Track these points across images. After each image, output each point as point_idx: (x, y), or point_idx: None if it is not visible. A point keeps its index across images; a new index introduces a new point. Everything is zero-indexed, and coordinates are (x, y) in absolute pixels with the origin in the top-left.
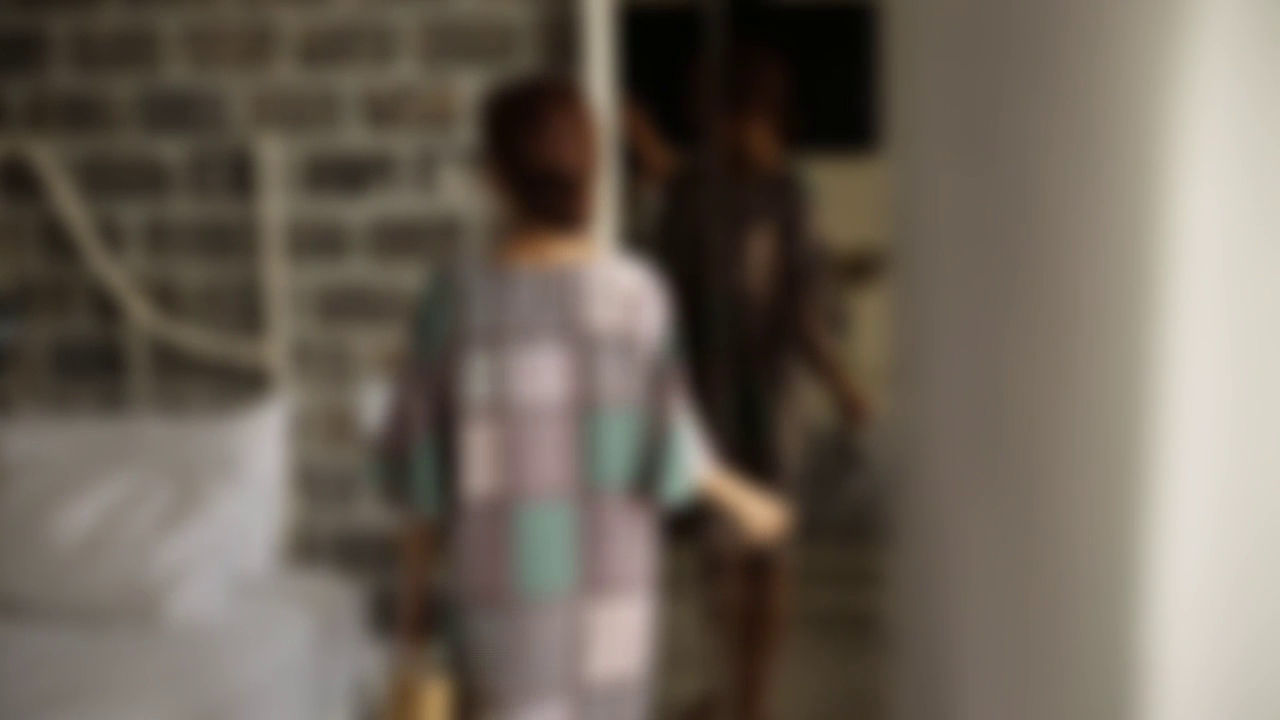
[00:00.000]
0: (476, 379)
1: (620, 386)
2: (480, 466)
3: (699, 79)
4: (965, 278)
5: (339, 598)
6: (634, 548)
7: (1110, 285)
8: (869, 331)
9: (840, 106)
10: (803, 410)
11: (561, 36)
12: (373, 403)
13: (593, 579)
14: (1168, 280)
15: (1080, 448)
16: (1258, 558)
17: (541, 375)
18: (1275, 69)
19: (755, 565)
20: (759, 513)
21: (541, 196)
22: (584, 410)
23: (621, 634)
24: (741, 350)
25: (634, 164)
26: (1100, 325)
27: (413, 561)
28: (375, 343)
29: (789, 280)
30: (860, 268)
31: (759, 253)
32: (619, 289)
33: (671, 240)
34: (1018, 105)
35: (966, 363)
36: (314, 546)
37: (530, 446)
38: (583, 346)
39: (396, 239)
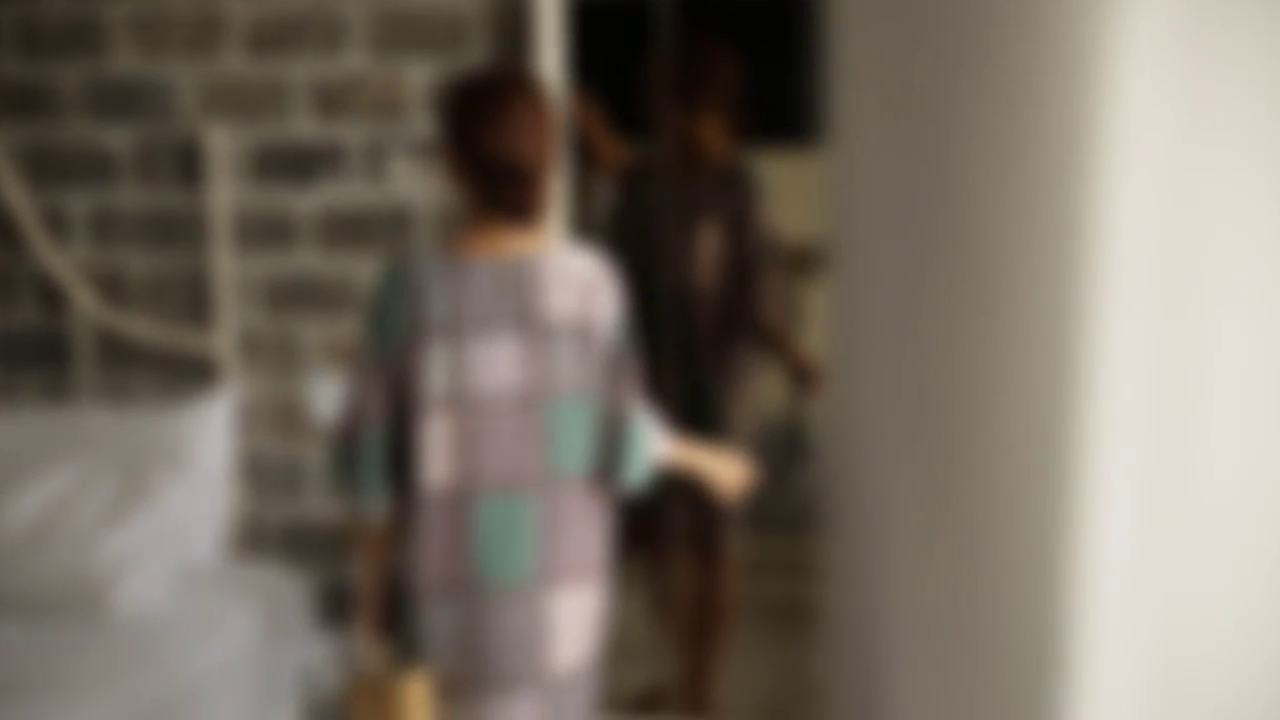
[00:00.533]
0: (435, 370)
1: (577, 374)
2: (439, 457)
3: (651, 72)
4: (902, 270)
5: (286, 589)
6: (591, 535)
7: (1041, 278)
8: (814, 324)
9: (780, 100)
10: (754, 404)
11: (512, 27)
12: (322, 393)
13: (553, 568)
14: (1097, 275)
15: (1010, 439)
16: (1181, 545)
17: (499, 365)
18: (1201, 63)
19: (704, 555)
20: (725, 470)
21: (498, 187)
22: (541, 399)
23: (580, 622)
24: (692, 344)
25: (587, 156)
26: (1031, 318)
27: (373, 553)
28: (324, 333)
29: (741, 273)
30: (802, 261)
31: (709, 247)
32: (574, 277)
33: (624, 234)
34: (954, 99)
35: (902, 354)
36: (261, 538)
37: (489, 436)
38: (539, 336)
39: (346, 229)
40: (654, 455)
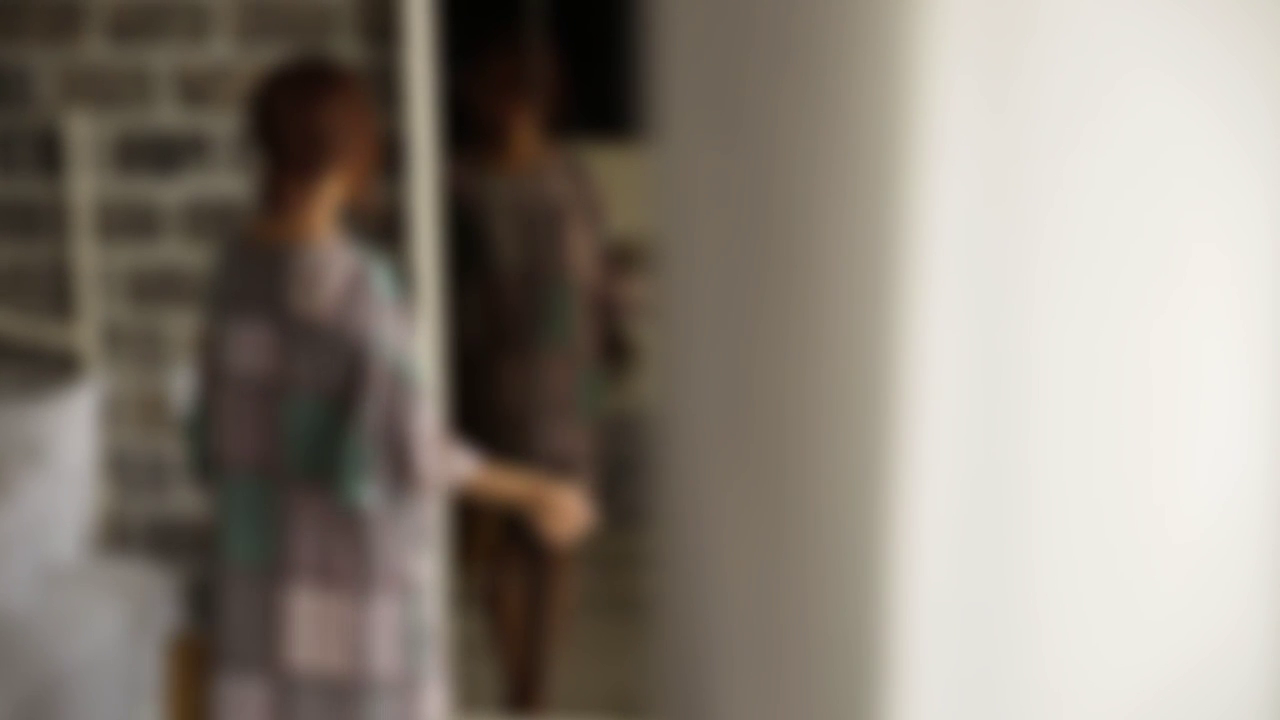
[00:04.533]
0: (210, 347)
1: (316, 375)
2: (214, 431)
3: (500, 66)
4: (723, 264)
5: (152, 586)
6: (345, 545)
7: (863, 276)
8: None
9: (599, 92)
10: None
11: (380, 18)
12: (187, 388)
13: (291, 563)
14: (918, 274)
15: (832, 434)
16: (1003, 545)
17: (247, 349)
18: (1020, 59)
19: (533, 555)
20: (560, 502)
21: (263, 171)
22: (278, 391)
23: (326, 630)
24: (576, 336)
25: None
26: (849, 313)
27: None
28: (190, 327)
29: (605, 264)
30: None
31: (582, 240)
32: (331, 278)
33: (471, 230)
34: (770, 93)
35: (724, 348)
36: (126, 535)
37: (240, 418)
38: (282, 327)
39: (212, 221)
40: (367, 480)
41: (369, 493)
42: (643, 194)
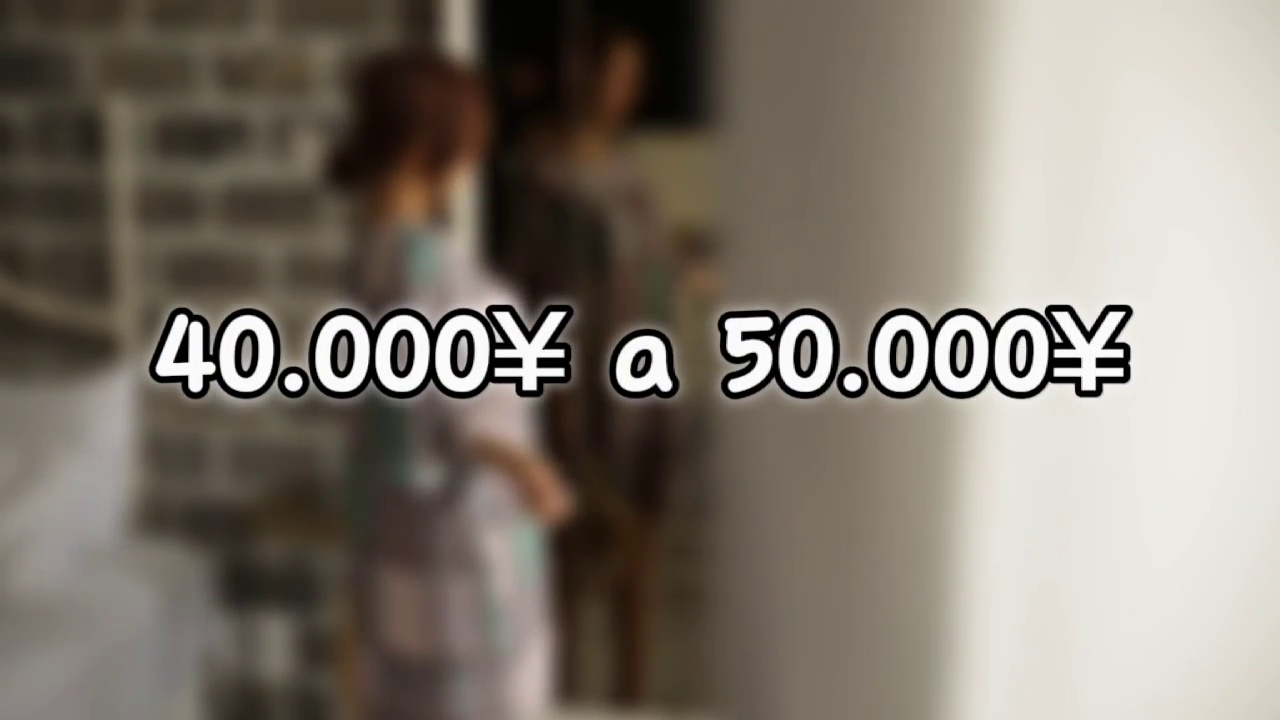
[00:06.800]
0: None
1: None
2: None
3: (569, 52)
4: (791, 257)
5: (188, 569)
6: (415, 521)
7: (927, 272)
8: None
9: (658, 83)
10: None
11: (421, 4)
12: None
13: (381, 541)
14: (985, 269)
15: (898, 422)
16: (1067, 536)
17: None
18: (1089, 56)
19: (618, 543)
20: (542, 485)
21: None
22: None
23: (414, 612)
24: (610, 323)
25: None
26: (922, 300)
27: None
28: (228, 311)
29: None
30: (689, 246)
31: (651, 221)
32: (384, 249)
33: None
34: (844, 86)
35: None
36: (163, 517)
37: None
38: (367, 307)
39: (251, 206)
40: (420, 460)
41: (417, 471)
42: (687, 183)
